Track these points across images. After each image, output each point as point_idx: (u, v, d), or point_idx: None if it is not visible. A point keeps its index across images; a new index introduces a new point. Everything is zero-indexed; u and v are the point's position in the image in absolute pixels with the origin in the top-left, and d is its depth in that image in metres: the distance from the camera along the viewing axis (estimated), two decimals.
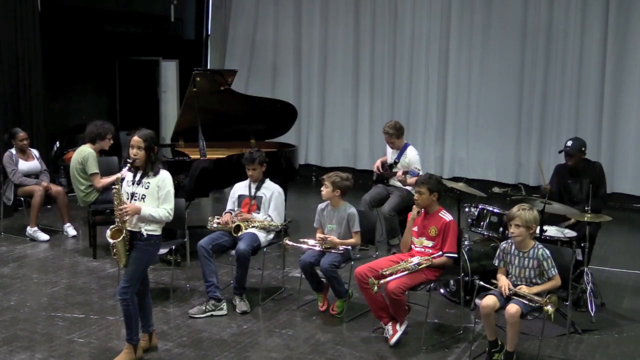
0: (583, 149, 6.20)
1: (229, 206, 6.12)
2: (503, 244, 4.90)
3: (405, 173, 7.09)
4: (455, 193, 6.39)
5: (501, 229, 5.98)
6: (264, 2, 12.10)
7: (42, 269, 6.78)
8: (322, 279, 5.72)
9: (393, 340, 5.07)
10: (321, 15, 11.69)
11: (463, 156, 10.91)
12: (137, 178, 4.67)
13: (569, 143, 6.30)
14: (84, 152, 7.08)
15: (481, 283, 4.96)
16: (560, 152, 6.37)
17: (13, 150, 7.72)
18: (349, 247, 5.59)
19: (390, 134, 7.38)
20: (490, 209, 6.16)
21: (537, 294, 4.57)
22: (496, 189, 6.47)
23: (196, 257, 5.76)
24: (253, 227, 5.83)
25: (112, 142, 7.36)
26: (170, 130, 8.39)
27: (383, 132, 7.49)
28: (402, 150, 7.39)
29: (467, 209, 6.30)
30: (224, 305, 5.66)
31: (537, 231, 5.14)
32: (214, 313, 5.60)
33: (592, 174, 6.15)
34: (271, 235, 5.96)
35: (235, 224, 5.77)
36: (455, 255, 5.16)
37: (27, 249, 7.39)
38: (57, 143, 10.10)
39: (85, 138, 7.26)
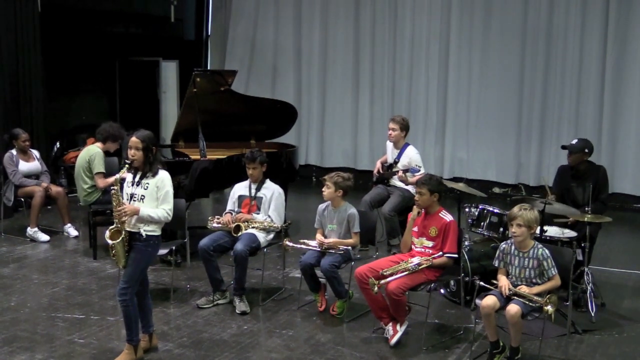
0: (586, 150, 6.12)
1: (229, 206, 6.12)
2: (503, 245, 4.90)
3: (405, 171, 7.09)
4: (456, 193, 6.39)
5: (501, 229, 5.98)
6: (264, 2, 12.10)
7: (42, 269, 6.78)
8: (321, 279, 5.73)
9: (393, 340, 5.07)
10: (321, 16, 11.69)
11: (463, 156, 10.90)
12: (137, 179, 4.68)
13: (574, 141, 6.27)
14: (92, 151, 7.11)
15: (481, 283, 4.95)
16: (562, 147, 6.33)
17: (14, 151, 7.71)
18: (349, 248, 5.60)
19: (395, 121, 7.34)
20: (491, 209, 6.16)
21: (537, 294, 4.58)
22: (496, 189, 6.50)
23: (196, 257, 5.77)
24: (253, 227, 5.84)
25: (118, 147, 7.40)
26: (171, 131, 8.39)
27: (390, 119, 7.46)
28: (402, 150, 7.38)
29: (467, 209, 6.29)
30: (228, 294, 5.88)
31: (537, 231, 5.14)
32: (219, 302, 5.82)
33: (595, 178, 6.10)
34: (271, 236, 5.96)
35: (235, 224, 5.78)
36: (456, 256, 5.16)
37: (28, 250, 7.39)
38: (57, 144, 10.09)
39: (98, 135, 7.29)
